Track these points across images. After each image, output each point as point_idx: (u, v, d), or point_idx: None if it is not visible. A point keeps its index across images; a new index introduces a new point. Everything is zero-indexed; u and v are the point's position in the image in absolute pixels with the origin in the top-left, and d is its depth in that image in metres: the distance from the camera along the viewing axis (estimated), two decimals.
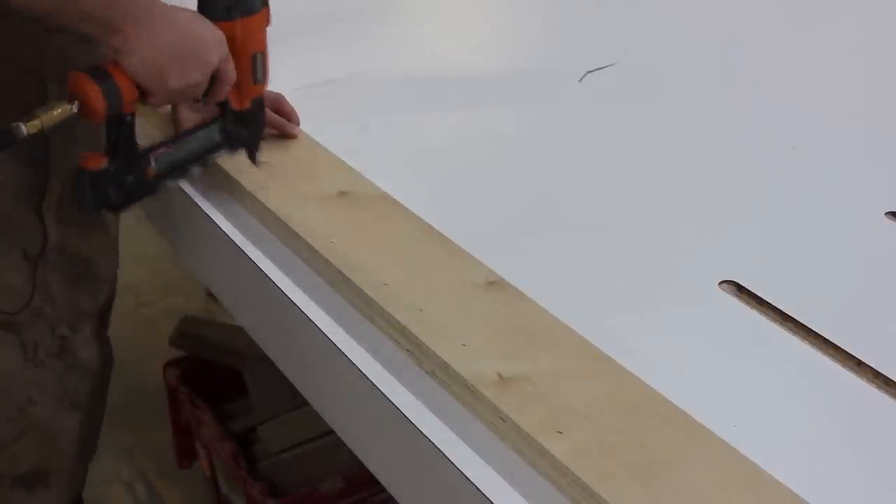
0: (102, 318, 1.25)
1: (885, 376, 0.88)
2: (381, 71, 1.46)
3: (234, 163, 1.14)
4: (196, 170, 1.09)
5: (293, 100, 1.32)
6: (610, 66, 1.47)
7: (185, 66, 0.96)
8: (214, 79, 1.00)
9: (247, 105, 1.08)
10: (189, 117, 1.12)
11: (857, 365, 0.89)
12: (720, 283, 1.00)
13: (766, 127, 1.33)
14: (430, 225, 1.04)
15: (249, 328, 1.14)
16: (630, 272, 1.02)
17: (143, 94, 0.95)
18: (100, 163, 0.97)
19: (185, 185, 1.16)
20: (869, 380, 0.88)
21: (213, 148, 1.09)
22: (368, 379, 0.88)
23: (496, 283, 0.96)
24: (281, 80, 1.38)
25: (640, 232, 1.09)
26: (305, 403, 1.05)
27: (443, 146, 1.26)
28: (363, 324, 0.94)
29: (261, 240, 1.07)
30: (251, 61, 1.04)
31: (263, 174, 1.12)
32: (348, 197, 1.09)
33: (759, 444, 0.79)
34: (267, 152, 1.16)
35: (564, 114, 1.36)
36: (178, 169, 1.07)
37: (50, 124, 0.90)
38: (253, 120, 1.10)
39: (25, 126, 0.89)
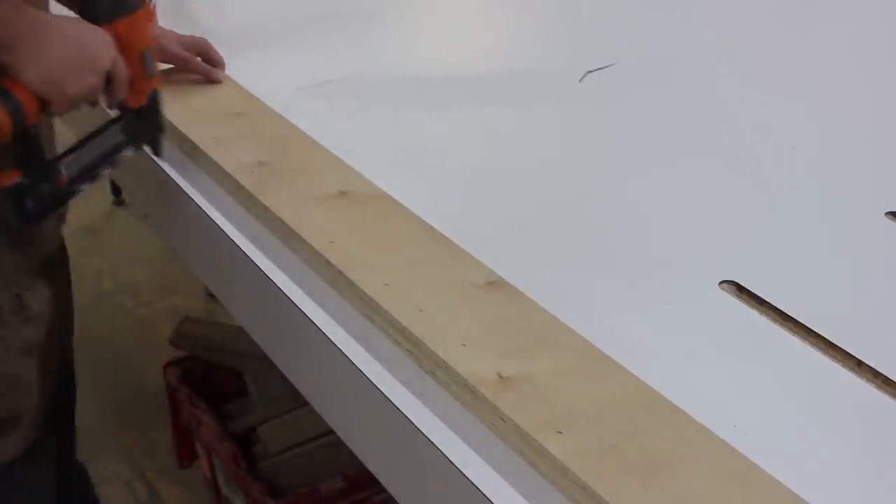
0: (48, 267, 1.24)
1: (885, 376, 0.88)
2: (381, 71, 1.46)
3: (234, 162, 1.15)
4: (106, 171, 1.11)
5: (294, 99, 1.32)
6: (610, 66, 1.47)
7: (80, 74, 0.98)
8: (110, 80, 1.03)
9: (143, 101, 1.11)
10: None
11: (857, 365, 0.89)
12: (720, 283, 1.00)
13: (767, 127, 1.33)
14: (430, 225, 1.04)
15: (249, 328, 1.14)
16: (630, 272, 1.02)
17: (44, 105, 0.97)
18: (13, 178, 0.99)
19: (186, 186, 1.17)
20: (869, 380, 0.88)
21: (118, 147, 1.12)
22: (368, 379, 0.88)
23: (496, 283, 0.96)
24: (281, 79, 1.39)
25: (640, 232, 1.09)
26: (305, 403, 1.05)
27: (443, 146, 1.26)
28: (363, 324, 0.94)
29: (261, 240, 1.07)
30: (141, 58, 1.07)
31: (263, 174, 1.13)
32: (348, 197, 1.09)
33: (759, 444, 0.79)
34: (267, 152, 1.17)
35: (564, 114, 1.36)
36: (88, 172, 1.08)
37: None
38: (151, 114, 1.13)
39: None
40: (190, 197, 1.15)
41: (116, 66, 1.03)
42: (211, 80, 1.31)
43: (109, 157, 1.11)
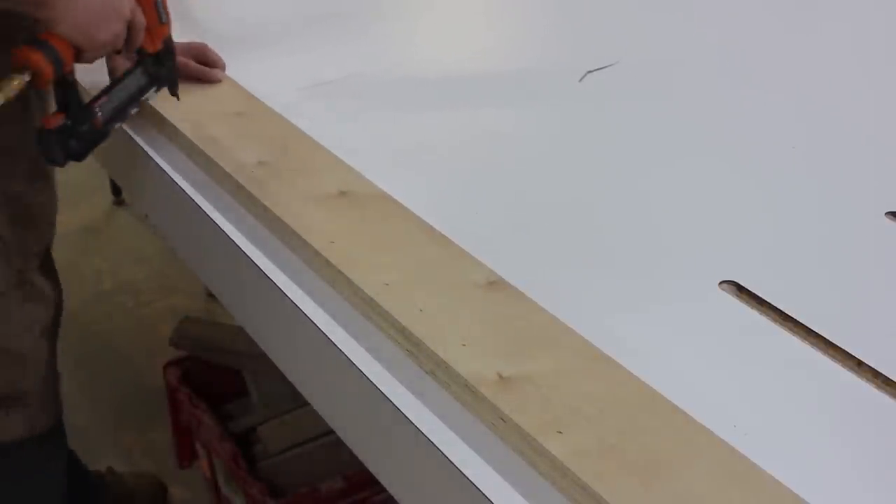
0: (45, 256, 1.34)
1: (885, 376, 0.88)
2: (381, 71, 1.46)
3: (234, 162, 1.15)
4: (134, 110, 1.23)
5: (294, 100, 1.32)
6: (610, 66, 1.47)
7: (107, 22, 1.09)
8: (129, 28, 1.14)
9: (159, 46, 1.22)
10: (120, 66, 1.25)
11: (857, 365, 0.89)
12: (720, 283, 1.00)
13: (767, 127, 1.33)
14: (430, 225, 1.04)
15: (249, 328, 1.14)
16: (630, 272, 1.02)
17: (78, 53, 1.08)
18: (58, 121, 1.11)
19: (186, 185, 1.17)
20: (869, 380, 0.88)
21: (142, 90, 1.23)
22: (368, 379, 0.88)
23: (496, 283, 0.96)
24: (281, 80, 1.39)
25: (640, 232, 1.09)
26: (305, 403, 1.05)
27: (443, 146, 1.26)
28: (363, 324, 0.94)
29: (261, 240, 1.07)
30: (154, 7, 1.19)
31: (263, 174, 1.13)
32: (348, 197, 1.09)
33: (759, 444, 0.79)
34: (267, 152, 1.17)
35: (564, 114, 1.36)
36: (120, 113, 1.21)
37: (14, 94, 1.03)
38: (167, 58, 1.24)
39: None
40: (190, 197, 1.15)
41: (135, 15, 1.14)
42: (207, 81, 1.32)
43: (135, 99, 1.23)
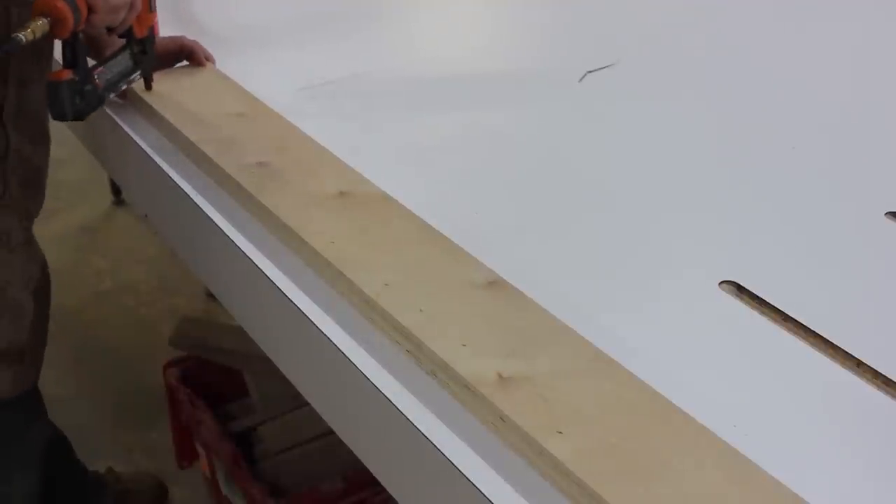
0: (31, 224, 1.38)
1: (885, 376, 0.88)
2: (382, 71, 1.46)
3: (234, 163, 1.15)
4: (123, 86, 1.29)
5: (295, 100, 1.33)
6: (610, 66, 1.47)
7: None
8: (130, 7, 1.19)
9: (145, 33, 1.28)
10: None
11: (857, 365, 0.89)
12: (720, 283, 1.00)
13: (766, 127, 1.33)
14: (430, 225, 1.04)
15: (249, 328, 1.14)
16: (630, 271, 1.02)
17: (90, 12, 1.12)
18: (67, 74, 1.15)
19: (186, 186, 1.17)
20: (869, 380, 0.88)
21: (129, 71, 1.29)
22: (368, 379, 0.88)
23: (496, 283, 0.96)
24: (282, 80, 1.39)
25: (639, 231, 1.09)
26: (305, 403, 1.05)
27: (443, 146, 1.26)
28: (363, 324, 0.94)
29: (261, 240, 1.07)
30: None
31: (263, 174, 1.13)
32: (348, 197, 1.09)
33: (759, 444, 0.79)
34: (267, 152, 1.17)
35: (564, 114, 1.36)
36: (113, 86, 1.26)
37: (39, 34, 1.07)
38: (150, 45, 1.30)
39: (23, 35, 1.06)
40: (190, 197, 1.15)
41: None
42: (194, 62, 1.38)
43: (124, 77, 1.28)
